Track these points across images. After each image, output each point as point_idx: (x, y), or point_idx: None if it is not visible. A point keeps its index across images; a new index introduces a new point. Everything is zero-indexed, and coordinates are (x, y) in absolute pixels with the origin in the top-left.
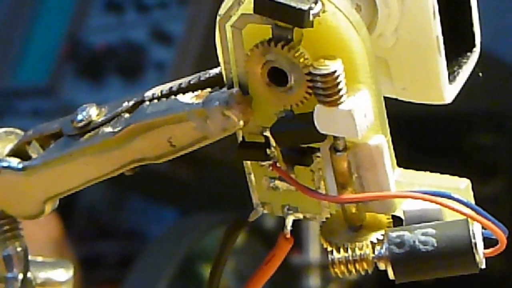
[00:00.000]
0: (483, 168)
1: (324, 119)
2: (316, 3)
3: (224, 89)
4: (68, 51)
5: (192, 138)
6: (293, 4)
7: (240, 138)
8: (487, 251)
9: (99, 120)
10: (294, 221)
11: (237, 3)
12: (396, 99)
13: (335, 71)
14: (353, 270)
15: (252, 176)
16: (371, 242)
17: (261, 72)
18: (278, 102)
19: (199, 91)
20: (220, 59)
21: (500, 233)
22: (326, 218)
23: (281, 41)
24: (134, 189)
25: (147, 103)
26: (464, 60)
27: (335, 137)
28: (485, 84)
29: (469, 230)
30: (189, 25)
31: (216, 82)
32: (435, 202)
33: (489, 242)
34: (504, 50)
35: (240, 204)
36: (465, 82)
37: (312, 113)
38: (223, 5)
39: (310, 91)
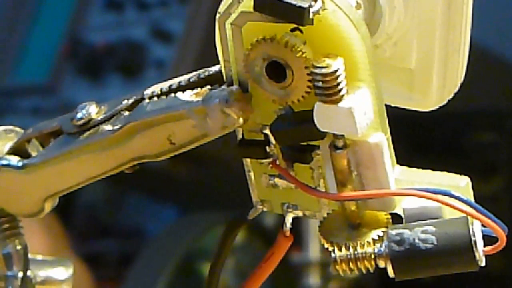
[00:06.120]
0: (483, 166)
1: (324, 117)
2: (316, 0)
3: (224, 86)
4: (68, 49)
5: (192, 136)
6: (293, 1)
7: (240, 136)
8: (486, 249)
9: (99, 118)
10: (293, 219)
11: (237, 1)
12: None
13: (335, 70)
14: (355, 268)
15: (252, 174)
16: (372, 239)
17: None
18: (278, 100)
19: (199, 89)
20: (220, 57)
21: (499, 231)
22: (325, 217)
23: None
24: (134, 187)
25: (147, 101)
26: None
27: (334, 135)
28: (485, 83)
29: (468, 228)
30: (189, 23)
31: (215, 80)
32: (435, 200)
33: (488, 240)
34: (504, 49)
35: (240, 202)
36: (465, 81)
37: (311, 111)
38: (222, 3)
39: (310, 89)
